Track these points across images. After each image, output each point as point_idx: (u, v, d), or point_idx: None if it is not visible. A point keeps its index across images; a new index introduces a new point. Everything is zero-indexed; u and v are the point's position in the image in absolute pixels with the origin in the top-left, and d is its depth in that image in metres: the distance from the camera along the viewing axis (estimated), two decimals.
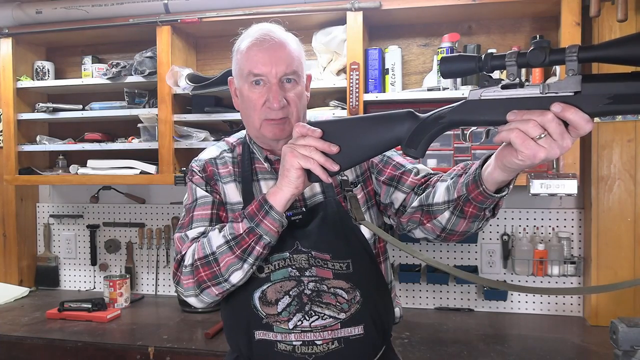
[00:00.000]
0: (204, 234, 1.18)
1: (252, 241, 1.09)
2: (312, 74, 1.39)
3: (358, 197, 1.23)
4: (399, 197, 1.21)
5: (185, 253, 1.17)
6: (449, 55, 0.89)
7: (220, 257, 1.11)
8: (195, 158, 1.32)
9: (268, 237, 1.09)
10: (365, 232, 1.23)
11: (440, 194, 1.09)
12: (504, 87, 0.84)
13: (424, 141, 0.95)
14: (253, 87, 1.18)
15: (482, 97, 0.86)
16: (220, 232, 1.13)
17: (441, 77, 2.09)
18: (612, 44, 0.74)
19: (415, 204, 1.16)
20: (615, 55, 0.74)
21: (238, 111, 2.33)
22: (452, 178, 1.08)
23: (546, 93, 0.79)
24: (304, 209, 1.22)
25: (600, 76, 0.77)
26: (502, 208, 1.06)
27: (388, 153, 1.26)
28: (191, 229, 1.21)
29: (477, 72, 0.86)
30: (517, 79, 0.83)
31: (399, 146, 1.00)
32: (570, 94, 0.77)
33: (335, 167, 1.01)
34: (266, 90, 1.17)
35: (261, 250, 1.10)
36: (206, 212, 1.23)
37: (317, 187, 1.23)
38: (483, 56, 0.85)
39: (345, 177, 1.23)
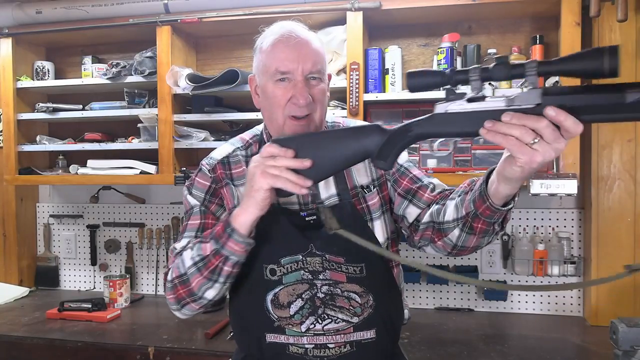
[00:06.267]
0: (185, 247, 1.19)
1: (219, 262, 1.10)
2: None
3: (373, 201, 1.22)
4: (413, 212, 1.21)
5: (170, 268, 1.20)
6: (415, 70, 0.92)
7: (192, 278, 1.13)
8: (208, 155, 1.30)
9: (235, 257, 1.10)
10: (379, 236, 1.22)
11: (449, 212, 1.10)
12: (470, 100, 0.88)
13: (393, 153, 0.98)
14: (278, 83, 1.16)
15: (448, 111, 0.90)
16: (191, 250, 1.15)
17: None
18: (568, 59, 0.79)
19: (426, 219, 1.17)
20: (571, 69, 0.79)
21: (238, 111, 2.36)
22: (459, 195, 1.09)
23: (510, 106, 0.83)
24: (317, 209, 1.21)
25: (559, 89, 0.81)
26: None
27: (405, 164, 1.25)
28: (181, 239, 1.22)
29: (443, 86, 0.90)
30: (481, 93, 0.87)
31: (369, 158, 1.02)
32: (532, 106, 0.81)
33: (307, 183, 1.00)
34: (292, 87, 1.15)
35: (230, 270, 1.11)
36: (195, 222, 1.23)
37: (332, 189, 1.22)
38: (448, 71, 0.88)
39: (361, 183, 1.22)
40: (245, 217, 1.06)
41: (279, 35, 1.17)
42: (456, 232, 1.09)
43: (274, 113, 1.18)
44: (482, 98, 0.87)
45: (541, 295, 2.30)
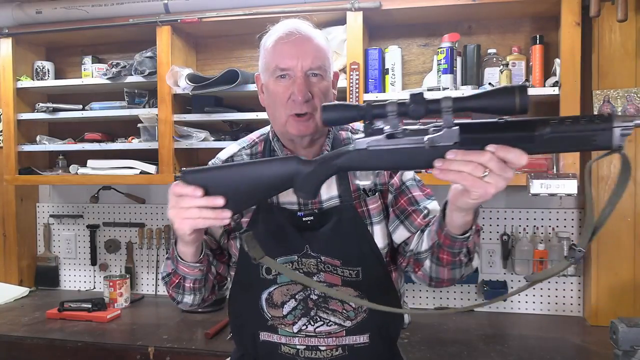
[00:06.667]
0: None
1: (179, 280, 1.15)
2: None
3: (374, 205, 1.20)
4: (402, 234, 1.19)
5: None
6: (331, 103, 0.93)
7: (166, 287, 1.20)
8: (216, 156, 1.31)
9: (190, 276, 1.12)
10: (379, 241, 1.19)
11: (424, 242, 1.11)
12: (389, 137, 0.89)
13: (315, 186, 0.97)
14: (279, 81, 1.15)
15: (369, 147, 0.90)
16: (163, 264, 1.19)
17: (440, 79, 2.09)
18: (481, 96, 0.81)
19: (412, 245, 1.16)
20: (484, 107, 0.81)
21: (238, 111, 2.36)
22: (428, 226, 1.10)
23: (430, 145, 0.85)
24: (316, 210, 1.19)
25: (474, 127, 0.84)
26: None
27: (408, 182, 1.22)
28: None
29: (359, 120, 0.90)
30: (400, 128, 0.88)
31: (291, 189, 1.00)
32: (451, 144, 0.84)
33: (226, 214, 0.96)
34: (291, 84, 1.13)
35: (192, 285, 1.14)
36: None
37: (334, 190, 1.20)
38: (364, 105, 0.88)
39: (363, 186, 1.20)
40: (184, 249, 1.07)
41: (281, 33, 1.17)
42: (427, 262, 1.08)
43: (276, 111, 1.17)
44: (401, 133, 0.87)
45: (541, 296, 2.30)
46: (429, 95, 0.84)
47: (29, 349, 2.04)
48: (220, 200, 0.95)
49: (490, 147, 0.81)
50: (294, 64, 1.13)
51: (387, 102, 0.86)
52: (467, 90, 2.07)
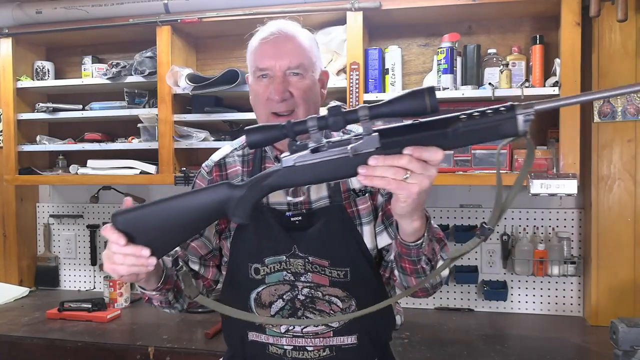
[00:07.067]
0: None
1: (147, 298, 1.18)
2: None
3: (364, 206, 1.19)
4: (384, 239, 1.19)
5: None
6: (254, 126, 0.94)
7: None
8: (210, 157, 1.32)
9: (155, 299, 1.15)
10: (368, 242, 1.18)
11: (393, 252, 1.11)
12: (314, 151, 0.91)
13: (248, 209, 0.97)
14: (259, 80, 1.18)
15: (295, 164, 0.91)
16: None
17: (441, 79, 2.09)
18: (394, 102, 0.84)
19: (390, 256, 1.16)
20: (398, 111, 0.84)
21: (238, 111, 2.36)
22: None
23: (353, 153, 0.87)
24: (304, 210, 1.19)
25: (392, 131, 0.86)
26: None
27: None
28: None
29: (283, 139, 0.91)
30: (324, 141, 0.90)
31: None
32: (373, 149, 0.86)
33: (151, 262, 0.95)
34: (270, 83, 1.16)
35: (159, 304, 1.18)
36: None
37: (324, 190, 1.20)
38: (285, 123, 0.90)
39: (354, 187, 1.20)
40: (142, 283, 1.09)
41: (265, 33, 1.19)
42: (396, 272, 1.10)
43: (258, 110, 1.20)
44: (326, 146, 0.89)
45: (541, 296, 2.30)
46: (346, 107, 0.86)
47: (29, 349, 2.04)
48: (144, 251, 0.93)
49: (407, 150, 0.83)
50: (272, 64, 1.16)
51: (308, 117, 0.88)
52: (467, 90, 2.07)
